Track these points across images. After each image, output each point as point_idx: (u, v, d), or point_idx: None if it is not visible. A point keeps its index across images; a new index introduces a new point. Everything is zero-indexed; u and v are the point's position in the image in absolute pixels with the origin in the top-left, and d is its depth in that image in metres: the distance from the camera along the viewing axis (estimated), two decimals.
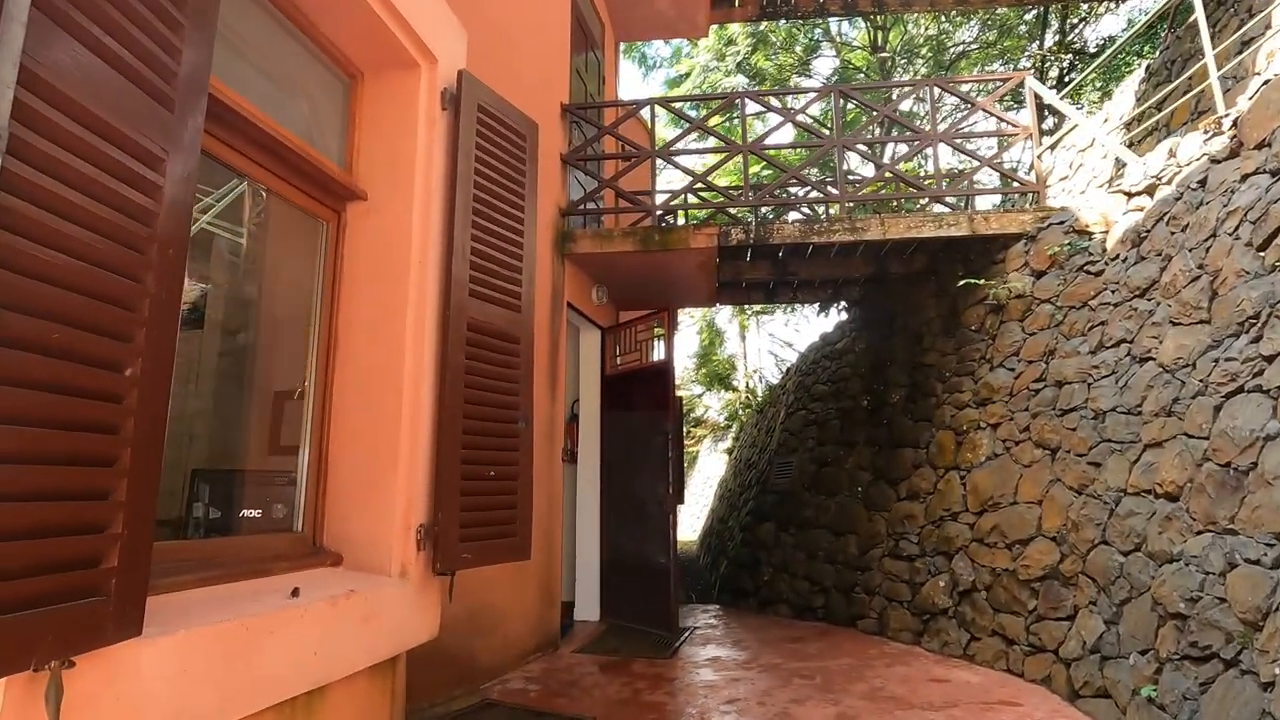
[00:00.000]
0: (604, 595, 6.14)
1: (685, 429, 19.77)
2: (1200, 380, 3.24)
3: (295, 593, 1.83)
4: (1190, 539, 2.98)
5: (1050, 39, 11.62)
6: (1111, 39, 9.43)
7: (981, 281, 5.29)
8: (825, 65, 15.59)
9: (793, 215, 6.14)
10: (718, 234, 5.53)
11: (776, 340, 21.31)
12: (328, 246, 2.53)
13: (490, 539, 2.59)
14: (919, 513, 5.32)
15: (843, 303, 7.85)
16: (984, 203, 9.55)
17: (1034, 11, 11.11)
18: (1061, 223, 4.92)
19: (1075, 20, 11.52)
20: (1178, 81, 5.35)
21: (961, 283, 5.40)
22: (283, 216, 2.59)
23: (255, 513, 2.47)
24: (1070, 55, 10.63)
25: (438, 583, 2.43)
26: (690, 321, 19.46)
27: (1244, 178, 3.34)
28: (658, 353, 5.98)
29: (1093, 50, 10.41)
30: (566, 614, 6.25)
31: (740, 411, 15.78)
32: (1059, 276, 4.76)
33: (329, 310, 2.51)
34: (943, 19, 12.90)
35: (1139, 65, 8.41)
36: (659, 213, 5.88)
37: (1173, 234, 3.81)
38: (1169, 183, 4.02)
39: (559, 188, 5.78)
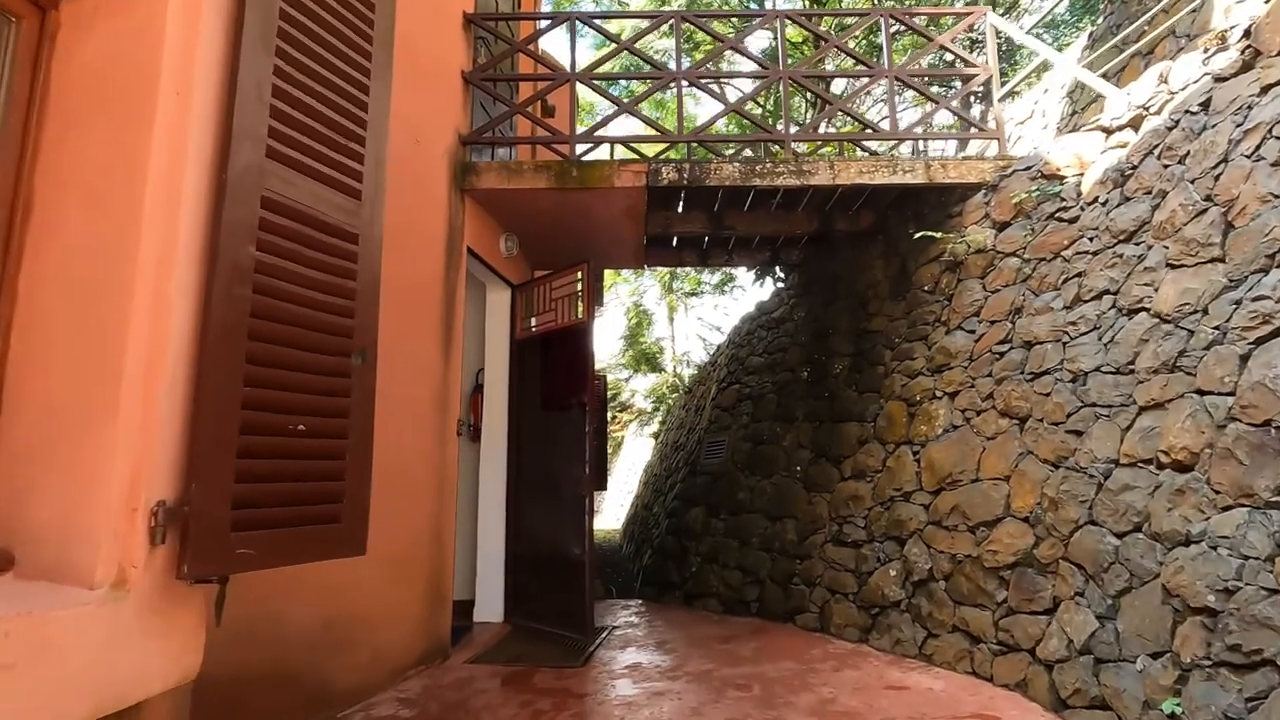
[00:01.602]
0: (509, 592, 5.30)
1: (611, 414, 19.02)
2: (1215, 328, 2.71)
3: None
4: (1214, 516, 2.43)
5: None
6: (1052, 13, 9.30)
7: (939, 235, 4.73)
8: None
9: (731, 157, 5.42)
10: (646, 172, 4.75)
11: (706, 325, 20.89)
12: (19, 60, 1.58)
13: (294, 525, 1.71)
14: (866, 493, 4.74)
15: (779, 271, 7.24)
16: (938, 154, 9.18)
17: None
18: (1028, 168, 4.40)
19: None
20: (1154, 10, 4.94)
21: (917, 235, 4.84)
22: None
23: None
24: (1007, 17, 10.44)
25: (192, 595, 1.54)
26: (617, 301, 18.69)
27: (1265, 89, 2.83)
28: (577, 314, 5.15)
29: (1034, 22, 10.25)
30: (464, 615, 5.38)
31: (668, 395, 15.16)
32: (1025, 227, 4.24)
33: (21, 158, 1.56)
34: None
35: (1081, 35, 8.18)
36: (582, 147, 5.04)
37: (1167, 167, 3.30)
38: (1158, 112, 3.52)
39: (459, 110, 4.85)
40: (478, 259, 5.08)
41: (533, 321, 5.52)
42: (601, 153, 9.39)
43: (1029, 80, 8.66)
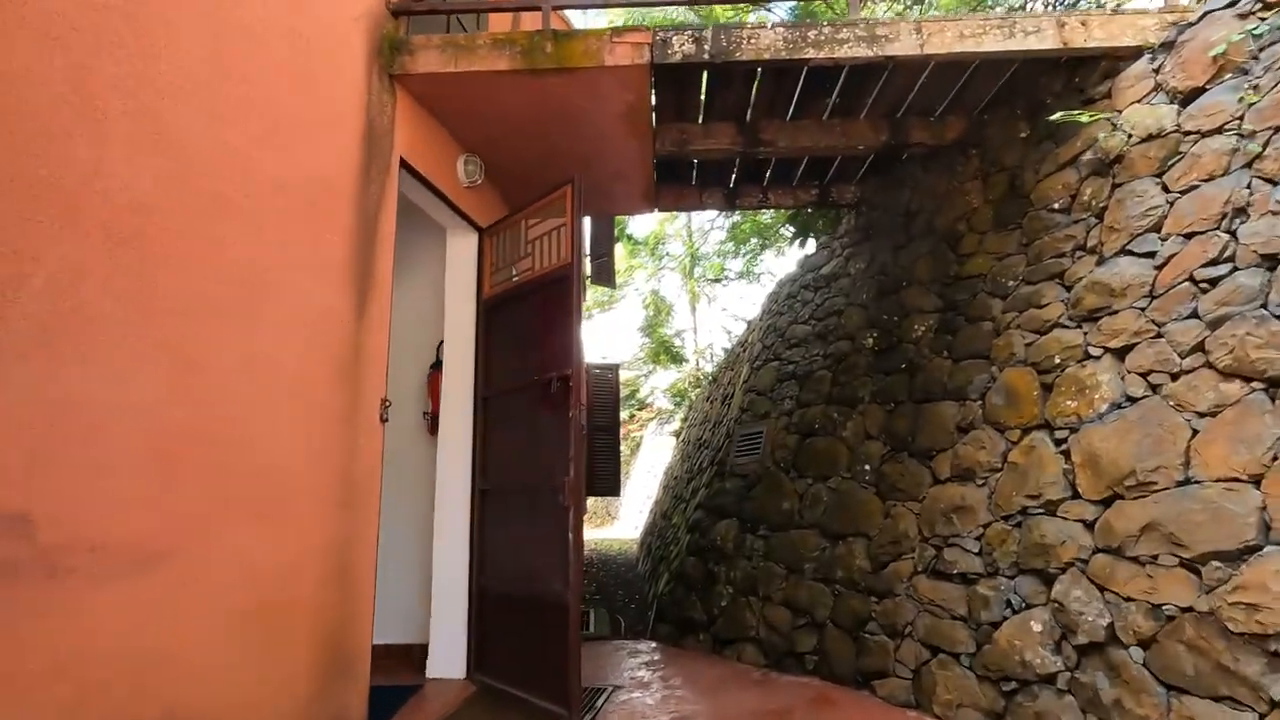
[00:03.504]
0: (474, 638, 3.89)
1: (629, 412, 17.59)
2: None
3: None
4: None
5: None
6: None
7: (1085, 119, 3.23)
8: None
9: (771, 21, 3.95)
10: (650, 45, 3.32)
11: (731, 316, 19.39)
12: None
13: None
14: (978, 502, 3.23)
15: (824, 226, 5.75)
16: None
17: None
18: (1231, 4, 2.89)
19: None
20: None
21: (1056, 117, 3.34)
22: None
23: None
24: None
25: None
26: (634, 290, 17.26)
27: None
28: (559, 255, 3.73)
29: None
30: (413, 667, 4.00)
31: (690, 391, 13.71)
32: (1239, 87, 2.73)
33: None
34: None
35: None
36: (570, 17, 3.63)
37: None
38: None
39: None
40: (424, 184, 3.69)
41: (514, 273, 4.11)
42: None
43: None
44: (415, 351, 4.78)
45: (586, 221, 9.74)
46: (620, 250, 16.54)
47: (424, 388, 4.66)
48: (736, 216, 15.01)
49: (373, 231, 3.17)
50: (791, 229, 6.46)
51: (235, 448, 2.29)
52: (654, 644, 4.64)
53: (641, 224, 16.39)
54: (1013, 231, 3.66)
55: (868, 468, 3.97)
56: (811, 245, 5.96)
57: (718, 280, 16.74)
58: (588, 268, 10.29)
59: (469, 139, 3.99)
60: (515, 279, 3.99)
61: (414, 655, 4.18)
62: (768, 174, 4.91)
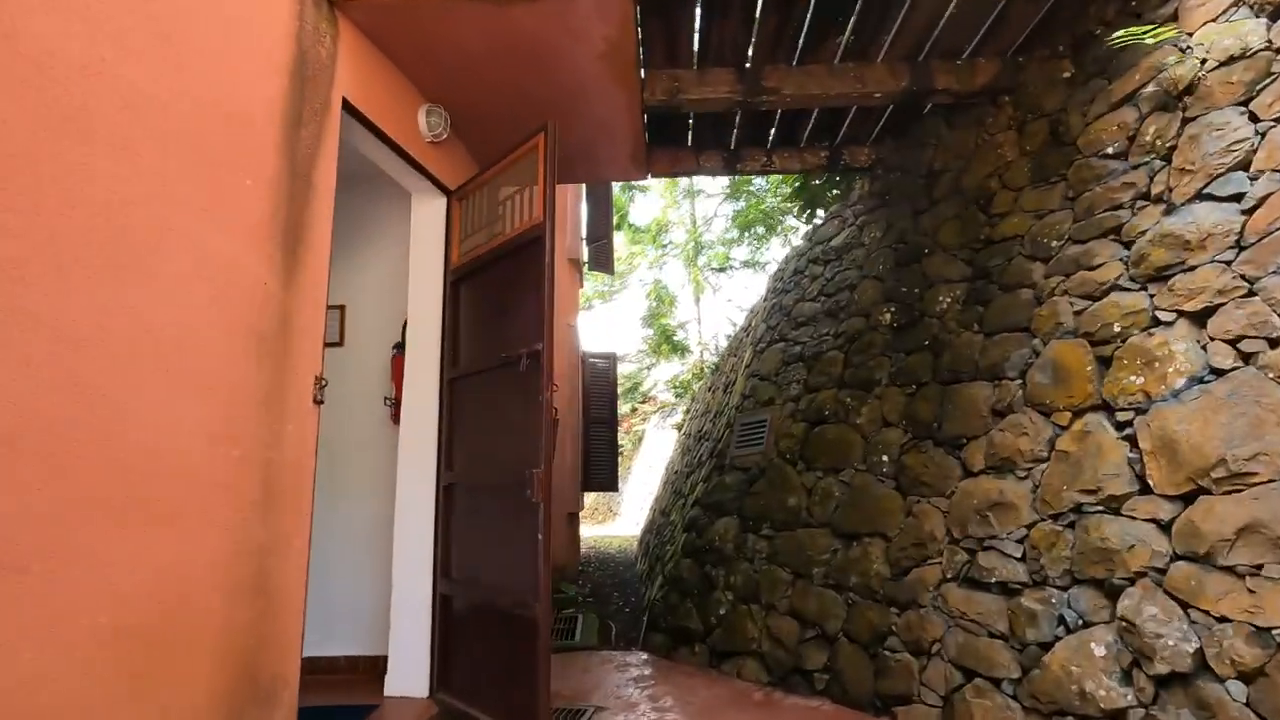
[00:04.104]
0: (438, 652, 3.43)
1: (631, 405, 17.11)
2: None
3: None
4: None
5: None
6: None
7: (1150, 38, 2.73)
8: None
9: None
10: None
11: (736, 307, 18.89)
12: None
13: None
14: (1019, 498, 2.73)
15: (831, 194, 5.24)
16: None
17: None
18: None
19: None
20: None
21: (1118, 35, 2.84)
22: None
23: None
24: None
25: None
26: (638, 280, 16.77)
27: None
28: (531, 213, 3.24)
29: None
30: (377, 680, 3.55)
31: (693, 383, 13.23)
32: None
33: None
34: None
35: None
36: None
37: None
38: None
39: None
40: (379, 136, 3.21)
41: (475, 241, 3.63)
42: None
43: None
44: (380, 332, 4.32)
45: (582, 191, 9.27)
46: (621, 239, 16.05)
47: (387, 372, 4.19)
48: (740, 204, 14.51)
49: (306, 183, 2.69)
50: (796, 208, 5.95)
51: (101, 435, 1.82)
52: (645, 656, 4.17)
53: (643, 211, 15.91)
54: (1055, 185, 3.16)
55: (886, 459, 3.48)
56: (820, 219, 5.46)
57: (722, 269, 16.23)
58: (584, 253, 9.83)
59: (430, 86, 3.50)
60: (485, 246, 3.51)
61: (380, 668, 3.73)
62: (771, 134, 4.40)
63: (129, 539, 1.90)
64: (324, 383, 2.75)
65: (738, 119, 4.17)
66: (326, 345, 4.34)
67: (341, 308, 4.37)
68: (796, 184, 5.65)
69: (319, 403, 2.72)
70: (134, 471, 1.92)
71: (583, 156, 4.26)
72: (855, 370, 3.94)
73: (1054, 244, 3.04)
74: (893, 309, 3.89)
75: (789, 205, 11.32)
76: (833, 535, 3.57)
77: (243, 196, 2.38)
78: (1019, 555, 2.63)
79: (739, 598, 3.88)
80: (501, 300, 3.37)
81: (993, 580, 2.69)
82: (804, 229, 6.15)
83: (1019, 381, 2.95)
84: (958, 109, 3.90)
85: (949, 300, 3.51)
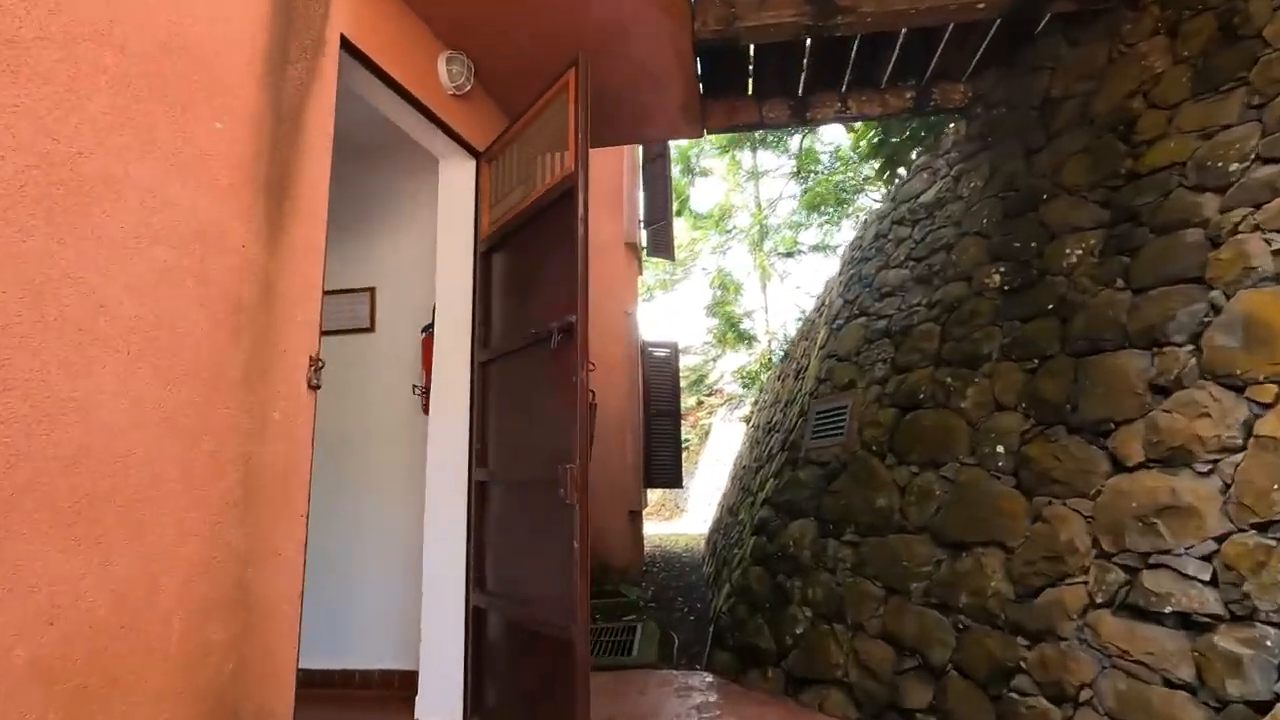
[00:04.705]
0: (472, 671, 3.02)
1: (696, 398, 16.53)
2: None
3: None
4: None
5: None
6: None
7: None
8: None
9: None
10: None
11: (805, 293, 18.00)
12: None
13: None
14: (1202, 500, 2.05)
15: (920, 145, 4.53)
16: None
17: None
18: None
19: None
20: None
21: None
22: None
23: None
24: None
25: None
26: (698, 267, 16.16)
27: None
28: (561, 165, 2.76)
29: None
30: (401, 694, 3.19)
31: (761, 373, 12.55)
32: None
33: None
34: None
35: None
36: None
37: None
38: None
39: None
40: (389, 84, 2.81)
41: (506, 206, 3.19)
42: None
43: None
44: (414, 315, 3.95)
45: (638, 169, 8.77)
46: (681, 225, 15.49)
47: (418, 357, 3.82)
48: (808, 183, 13.69)
49: (294, 128, 2.29)
50: (874, 170, 5.27)
51: (38, 428, 1.45)
52: (710, 678, 3.63)
53: (704, 197, 15.30)
54: (1229, 94, 2.43)
55: (1001, 449, 2.82)
56: (903, 177, 4.76)
57: (790, 254, 15.43)
58: (642, 238, 9.33)
59: (448, 30, 3.07)
60: (514, 209, 3.06)
61: (413, 684, 3.35)
62: (847, 74, 3.77)
63: (72, 552, 1.53)
64: (320, 364, 2.34)
65: (806, 53, 3.57)
66: (355, 331, 4.03)
67: (371, 290, 4.03)
68: (876, 139, 4.97)
69: (315, 387, 2.32)
70: (80, 471, 1.55)
71: (627, 110, 3.76)
72: (956, 344, 3.28)
73: (1233, 167, 2.32)
74: (1002, 269, 3.20)
75: (859, 173, 10.45)
76: (934, 543, 2.94)
77: (213, 143, 1.98)
78: (1206, 578, 1.96)
79: (819, 615, 3.30)
80: (532, 269, 2.91)
81: (1167, 610, 2.02)
82: (875, 201, 5.47)
83: (1190, 348, 2.25)
84: (1081, 20, 3.18)
85: (1080, 252, 2.82)
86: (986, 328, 3.15)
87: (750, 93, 3.95)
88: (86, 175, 1.61)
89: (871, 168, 6.69)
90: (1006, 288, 3.14)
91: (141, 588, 1.69)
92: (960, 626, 2.67)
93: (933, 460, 3.11)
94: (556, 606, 2.40)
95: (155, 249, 1.78)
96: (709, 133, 4.13)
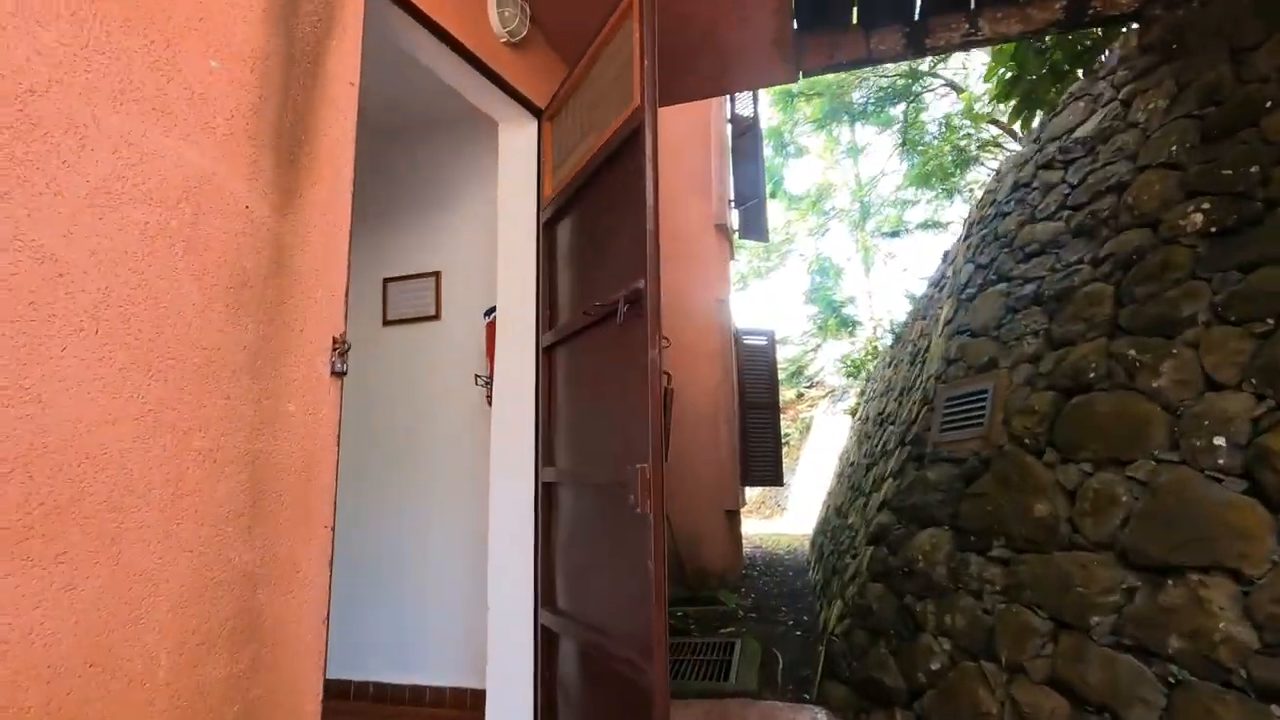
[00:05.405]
0: (542, 698, 2.63)
1: (797, 391, 15.69)
2: None
3: None
4: None
5: None
6: None
7: None
8: None
9: None
10: None
11: (912, 275, 16.71)
12: None
13: None
14: None
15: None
16: None
17: None
18: None
19: None
20: None
21: None
22: None
23: None
24: None
25: None
26: (794, 251, 15.29)
27: None
28: (627, 103, 2.30)
29: None
30: (472, 716, 2.85)
31: (867, 363, 11.63)
32: None
33: None
34: None
35: None
36: None
37: None
38: None
39: None
40: (429, 27, 2.45)
41: (568, 166, 2.76)
42: None
43: None
44: (483, 301, 3.62)
45: (727, 147, 8.19)
46: (776, 208, 14.69)
47: (483, 345, 3.48)
48: (915, 159, 12.54)
49: (311, 75, 1.94)
50: (1007, 113, 4.45)
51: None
52: (823, 715, 3.06)
53: (798, 178, 14.44)
54: None
55: (1221, 442, 2.09)
56: (1043, 115, 3.95)
57: (894, 234, 14.30)
58: (734, 219, 8.73)
59: None
60: (577, 165, 2.63)
61: (484, 705, 3.01)
62: None
63: (22, 573, 1.23)
64: (346, 346, 1.99)
65: None
66: (420, 320, 3.74)
67: (437, 275, 3.73)
68: (1010, 74, 4.17)
69: (339, 374, 1.96)
70: (33, 476, 1.25)
71: (706, 54, 3.25)
72: (1140, 307, 2.54)
73: None
74: (1205, 206, 2.44)
75: (980, 131, 9.32)
76: (1122, 564, 2.25)
77: (208, 84, 1.65)
78: None
79: (960, 648, 2.66)
80: (596, 235, 2.47)
81: None
82: (992, 165, 4.63)
83: None
84: None
85: None
86: (1185, 283, 2.40)
87: (855, 20, 3.33)
88: (41, 118, 1.30)
89: (1001, 113, 5.79)
90: (1214, 229, 2.38)
91: (117, 616, 1.37)
92: (1172, 680, 1.98)
93: (1114, 457, 2.41)
94: (632, 642, 1.94)
95: (131, 208, 1.46)
96: (804, 75, 3.54)
